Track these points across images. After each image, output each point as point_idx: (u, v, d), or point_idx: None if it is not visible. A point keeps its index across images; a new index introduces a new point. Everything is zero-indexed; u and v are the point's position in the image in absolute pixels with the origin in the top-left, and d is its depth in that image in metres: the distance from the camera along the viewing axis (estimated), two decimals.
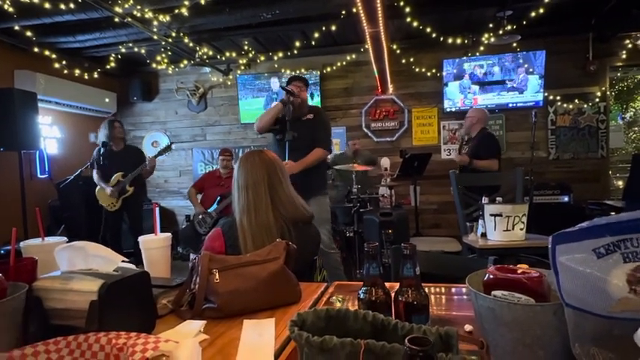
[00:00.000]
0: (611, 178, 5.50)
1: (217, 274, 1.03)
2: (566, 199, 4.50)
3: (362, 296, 0.78)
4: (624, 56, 4.81)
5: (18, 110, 3.61)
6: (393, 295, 0.77)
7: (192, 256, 1.09)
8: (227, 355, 0.81)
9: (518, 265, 0.70)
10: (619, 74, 6.33)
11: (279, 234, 1.32)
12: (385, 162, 5.12)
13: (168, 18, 3.72)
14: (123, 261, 0.92)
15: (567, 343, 0.61)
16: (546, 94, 4.89)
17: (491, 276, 0.68)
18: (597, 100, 4.90)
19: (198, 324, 0.92)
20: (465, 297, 1.13)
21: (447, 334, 0.43)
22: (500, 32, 4.16)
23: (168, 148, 4.17)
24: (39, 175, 4.71)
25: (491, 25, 4.40)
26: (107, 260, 0.90)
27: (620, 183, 6.93)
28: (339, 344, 0.47)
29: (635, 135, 10.49)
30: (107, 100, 5.57)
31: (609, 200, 4.54)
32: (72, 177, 4.18)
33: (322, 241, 2.07)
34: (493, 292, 0.67)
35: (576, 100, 4.93)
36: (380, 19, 2.92)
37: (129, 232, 4.19)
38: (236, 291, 1.02)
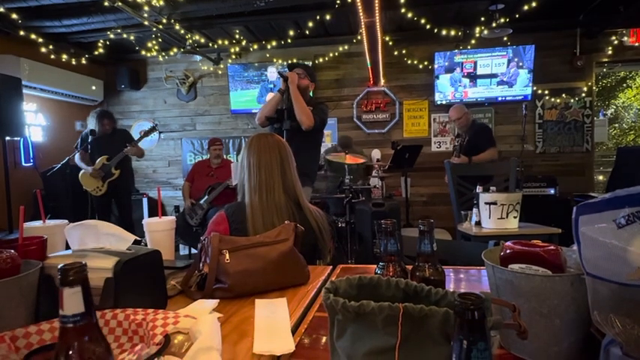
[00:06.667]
0: (595, 172, 5.64)
1: (227, 254, 1.03)
2: (552, 191, 4.60)
3: (379, 272, 0.80)
4: (610, 52, 4.92)
5: (2, 96, 3.48)
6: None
7: (201, 238, 1.09)
8: (243, 331, 0.82)
9: (533, 241, 0.73)
10: (604, 70, 6.47)
11: (288, 216, 1.32)
12: (376, 153, 5.15)
13: (162, 2, 3.65)
14: (135, 240, 0.91)
15: (582, 312, 0.63)
16: (535, 88, 4.98)
17: (509, 250, 0.70)
18: (583, 94, 5.01)
19: (212, 302, 0.92)
20: (473, 277, 1.15)
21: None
22: (494, 25, 4.20)
23: (152, 130, 4.07)
24: (23, 164, 4.59)
25: (483, 19, 4.44)
26: (119, 238, 0.89)
27: (601, 177, 7.11)
28: (376, 308, 0.48)
29: (615, 131, 10.77)
30: (94, 87, 5.45)
31: (594, 193, 4.66)
32: (59, 165, 4.08)
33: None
34: (510, 266, 0.69)
35: (563, 95, 5.03)
36: (376, 8, 2.92)
37: (117, 223, 4.11)
38: (246, 271, 1.03)
